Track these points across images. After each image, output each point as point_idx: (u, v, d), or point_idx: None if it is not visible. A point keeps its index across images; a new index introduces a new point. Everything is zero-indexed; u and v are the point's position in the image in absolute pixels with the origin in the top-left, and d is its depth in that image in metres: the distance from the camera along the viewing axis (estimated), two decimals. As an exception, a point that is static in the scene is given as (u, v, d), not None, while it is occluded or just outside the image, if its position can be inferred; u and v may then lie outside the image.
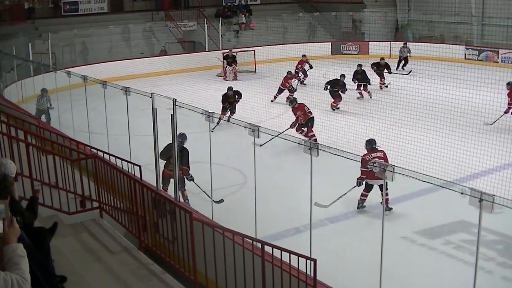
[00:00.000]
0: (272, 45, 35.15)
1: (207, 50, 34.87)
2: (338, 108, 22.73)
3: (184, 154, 12.80)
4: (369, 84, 24.93)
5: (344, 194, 12.70)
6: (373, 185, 12.63)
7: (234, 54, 31.10)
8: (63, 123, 18.48)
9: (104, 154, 11.35)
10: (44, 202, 9.10)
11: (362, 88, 24.90)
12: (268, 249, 7.65)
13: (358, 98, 24.95)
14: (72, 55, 32.59)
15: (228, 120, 16.13)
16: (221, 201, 12.77)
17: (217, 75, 31.43)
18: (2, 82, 24.78)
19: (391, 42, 35.89)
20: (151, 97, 10.94)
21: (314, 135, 17.89)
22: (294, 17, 40.27)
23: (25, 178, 9.50)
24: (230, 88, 21.46)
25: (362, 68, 25.05)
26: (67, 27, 32.87)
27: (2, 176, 6.18)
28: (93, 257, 8.44)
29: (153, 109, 10.85)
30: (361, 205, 12.98)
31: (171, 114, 10.23)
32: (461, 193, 6.75)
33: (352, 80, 24.49)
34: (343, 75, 23.00)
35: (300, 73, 28.13)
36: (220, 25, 36.25)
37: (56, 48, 30.79)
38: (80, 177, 9.83)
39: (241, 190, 14.05)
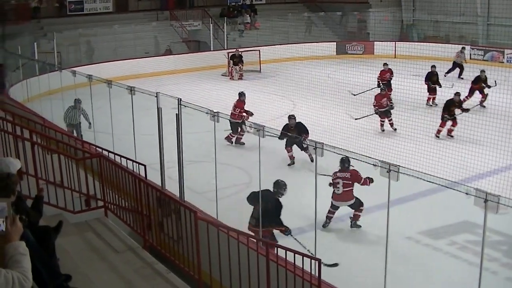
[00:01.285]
0: (277, 44, 35.16)
1: (212, 49, 34.91)
2: (452, 136, 18.97)
3: (277, 209, 10.79)
4: (440, 87, 23.35)
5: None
6: (338, 206, 12.50)
7: (240, 53, 31.09)
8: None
9: (109, 153, 11.37)
10: (49, 201, 9.12)
11: (432, 92, 23.40)
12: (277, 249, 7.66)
13: (429, 105, 23.38)
14: (77, 55, 32.65)
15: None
16: (335, 265, 10.30)
17: (222, 75, 31.46)
18: (7, 81, 24.81)
19: (396, 42, 35.88)
20: (156, 96, 10.96)
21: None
22: (299, 17, 40.26)
23: (30, 177, 9.51)
24: (291, 117, 16.74)
25: (436, 70, 23.85)
26: (72, 27, 32.87)
27: (5, 174, 6.18)
28: (97, 256, 8.46)
29: (158, 108, 10.88)
30: (327, 223, 12.50)
31: (176, 114, 10.25)
32: (466, 194, 6.75)
33: (426, 83, 23.41)
34: (458, 93, 19.51)
35: (382, 86, 23.05)
36: (225, 24, 36.28)
37: (61, 48, 30.83)
38: (85, 176, 9.85)
39: (246, 189, 14.00)
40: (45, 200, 8.24)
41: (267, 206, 10.53)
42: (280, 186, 10.88)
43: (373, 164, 8.18)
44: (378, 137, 17.93)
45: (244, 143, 18.09)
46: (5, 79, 24.79)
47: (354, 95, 22.82)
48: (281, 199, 10.72)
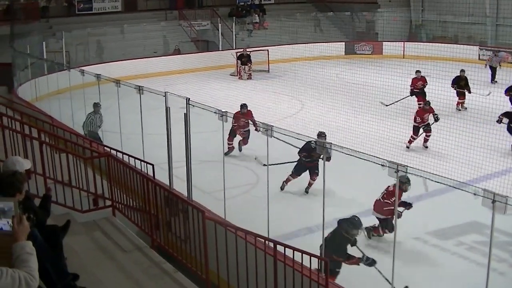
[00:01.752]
0: (285, 44, 35.15)
1: (220, 49, 34.92)
2: None
3: (341, 244, 9.91)
4: (469, 93, 22.22)
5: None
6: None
7: (249, 53, 31.09)
8: (77, 122, 18.49)
9: (117, 153, 11.39)
10: (57, 200, 9.14)
11: (461, 96, 22.51)
12: (280, 248, 7.65)
13: (458, 109, 22.45)
14: (86, 54, 32.70)
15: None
16: None
17: (230, 74, 31.45)
18: (16, 81, 24.88)
19: (405, 42, 35.83)
20: (165, 96, 10.97)
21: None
22: (308, 17, 40.24)
23: (39, 176, 9.54)
24: (322, 135, 13.94)
25: (465, 75, 22.53)
26: (81, 26, 32.96)
27: (11, 172, 6.18)
28: (105, 255, 8.47)
29: (166, 108, 10.90)
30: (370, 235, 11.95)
31: (184, 113, 10.26)
32: (474, 194, 6.74)
33: (452, 86, 22.46)
34: None
35: (414, 96, 22.43)
36: (233, 24, 36.28)
37: (70, 47, 30.91)
38: (93, 175, 9.86)
39: (254, 189, 14.04)
40: (53, 199, 8.26)
41: (335, 236, 9.85)
42: (352, 224, 9.89)
43: (381, 164, 8.17)
44: (391, 139, 17.82)
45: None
46: (13, 78, 24.84)
47: (386, 105, 21.42)
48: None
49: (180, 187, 10.78)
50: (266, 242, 8.09)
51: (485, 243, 9.65)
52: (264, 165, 12.30)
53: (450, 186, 7.59)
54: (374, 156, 9.10)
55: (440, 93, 20.20)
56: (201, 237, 8.17)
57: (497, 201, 6.44)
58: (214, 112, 10.29)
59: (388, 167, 7.86)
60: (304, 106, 23.26)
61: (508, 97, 20.77)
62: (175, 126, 10.75)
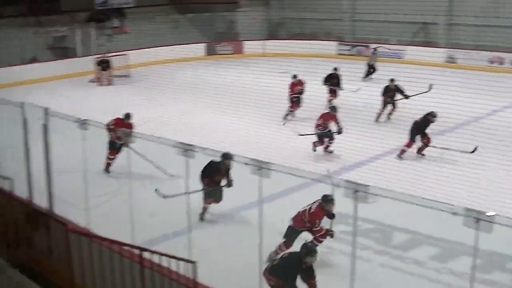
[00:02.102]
0: (146, 48, 34.84)
1: (79, 56, 34.25)
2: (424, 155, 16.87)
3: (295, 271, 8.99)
4: (341, 90, 22.44)
5: None
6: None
7: (108, 59, 30.60)
8: None
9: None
10: None
11: (332, 94, 22.49)
12: (148, 255, 7.57)
13: (329, 102, 21.53)
14: None
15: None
16: None
17: (90, 81, 30.70)
18: None
19: (265, 41, 36.56)
20: (21, 107, 10.62)
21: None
22: (168, 19, 40.05)
23: None
24: (227, 157, 11.36)
25: (338, 72, 22.87)
26: None
27: None
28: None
29: (23, 119, 10.55)
30: None
31: (43, 124, 9.98)
32: (337, 186, 6.91)
33: (324, 84, 22.59)
34: (433, 114, 16.65)
35: (290, 102, 21.25)
36: (92, 30, 35.63)
37: None
38: None
39: (117, 197, 13.75)
40: None
41: (290, 259, 9.18)
42: (306, 249, 9.00)
43: (244, 163, 8.23)
44: (258, 137, 17.96)
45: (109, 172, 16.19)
46: None
47: (302, 134, 18.19)
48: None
49: (43, 200, 10.43)
50: (132, 249, 7.98)
51: (350, 232, 9.91)
52: (164, 197, 12.09)
53: (312, 179, 7.77)
54: (237, 155, 9.19)
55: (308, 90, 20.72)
56: (65, 250, 7.96)
57: (358, 191, 6.63)
58: (74, 121, 10.06)
59: (251, 165, 7.92)
60: (165, 110, 23.11)
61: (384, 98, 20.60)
62: (37, 137, 10.40)
